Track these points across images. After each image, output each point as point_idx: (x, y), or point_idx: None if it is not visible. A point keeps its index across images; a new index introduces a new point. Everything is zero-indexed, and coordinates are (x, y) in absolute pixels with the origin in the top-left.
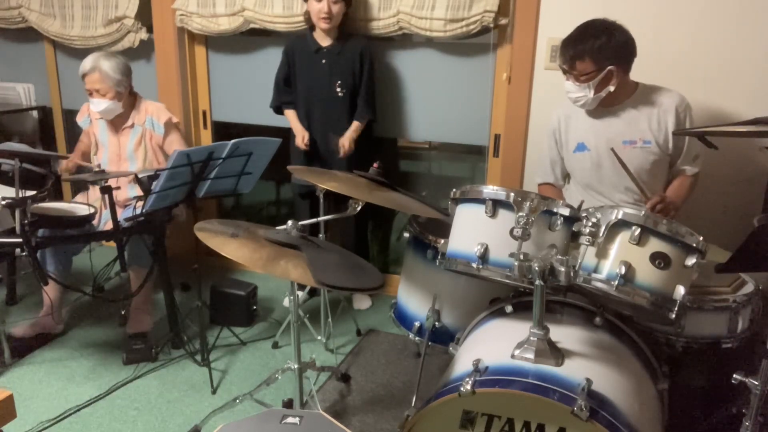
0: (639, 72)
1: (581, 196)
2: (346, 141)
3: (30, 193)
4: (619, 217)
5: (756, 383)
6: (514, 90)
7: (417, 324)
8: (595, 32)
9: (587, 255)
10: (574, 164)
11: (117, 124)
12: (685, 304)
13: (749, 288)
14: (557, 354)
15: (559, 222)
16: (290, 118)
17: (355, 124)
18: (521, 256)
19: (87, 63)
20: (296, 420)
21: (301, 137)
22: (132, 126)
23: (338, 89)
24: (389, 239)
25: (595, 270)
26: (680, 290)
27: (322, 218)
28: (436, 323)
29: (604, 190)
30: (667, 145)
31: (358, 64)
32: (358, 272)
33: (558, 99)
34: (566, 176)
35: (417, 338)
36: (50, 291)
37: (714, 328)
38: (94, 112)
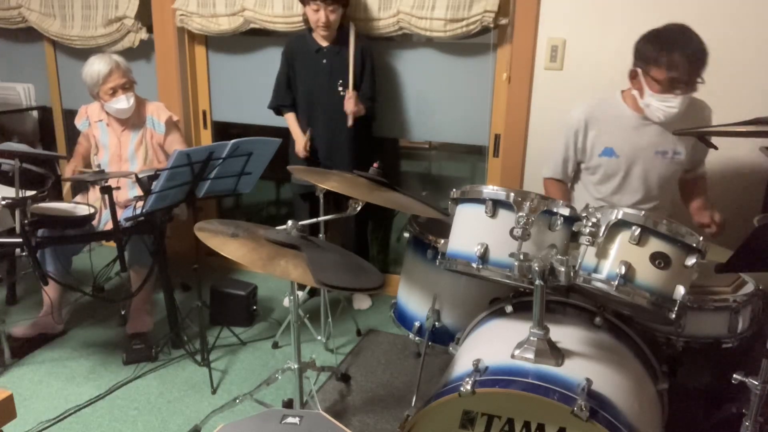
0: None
1: (586, 199)
2: (350, 107)
3: (30, 193)
4: (619, 217)
5: (756, 383)
6: (514, 90)
7: (417, 324)
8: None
9: (587, 255)
10: (594, 167)
11: (117, 125)
12: (685, 304)
13: (749, 288)
14: (557, 354)
15: (559, 222)
16: (290, 123)
17: (360, 105)
18: (521, 256)
19: (101, 66)
20: (296, 420)
21: (302, 144)
22: (133, 126)
23: (340, 89)
24: (389, 239)
25: (595, 270)
26: (680, 290)
27: (322, 218)
28: (436, 323)
29: (616, 199)
30: (693, 154)
31: (359, 65)
32: (358, 272)
33: (558, 99)
34: (575, 175)
35: (417, 338)
36: (50, 291)
37: (714, 328)
38: (122, 109)
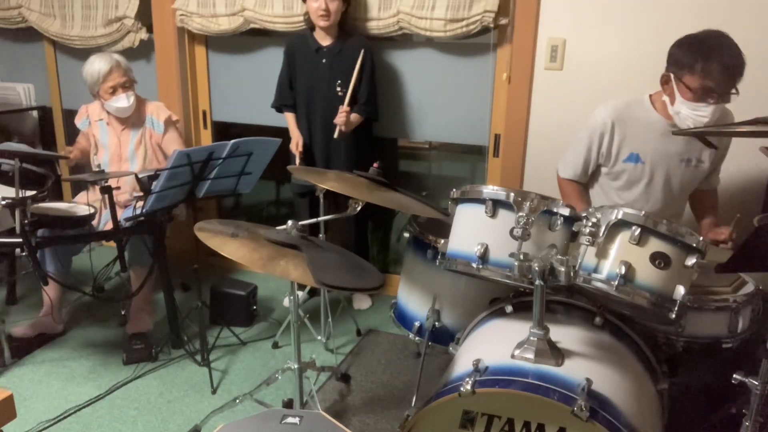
0: (640, 75)
1: (603, 201)
2: (340, 120)
3: (30, 193)
4: (619, 217)
5: (756, 383)
6: (514, 90)
7: (417, 324)
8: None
9: (587, 255)
10: (618, 172)
11: (118, 124)
12: (685, 304)
13: (749, 288)
14: (557, 354)
15: (559, 222)
16: (289, 121)
17: (354, 116)
18: (521, 256)
19: (101, 64)
20: (296, 420)
21: (296, 143)
22: (132, 125)
23: (338, 89)
24: (389, 239)
25: (595, 270)
26: (680, 290)
27: (322, 218)
28: (436, 323)
29: (638, 206)
30: (713, 163)
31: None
32: (358, 272)
33: (558, 99)
34: (591, 176)
35: (417, 338)
36: (50, 291)
37: (714, 328)
38: (122, 108)
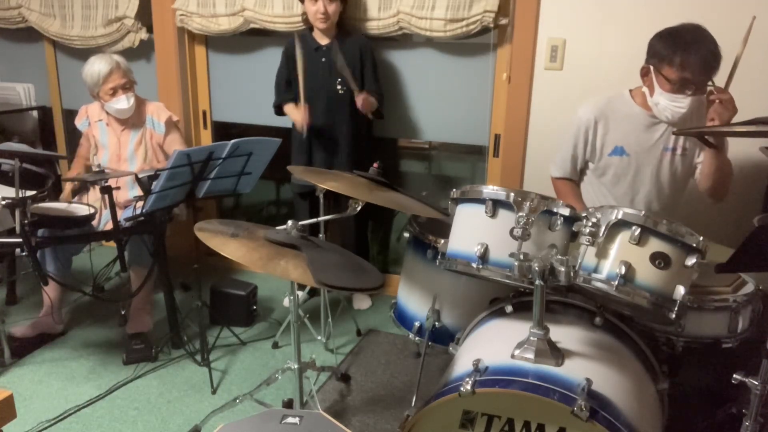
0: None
1: (592, 197)
2: (362, 104)
3: (30, 193)
4: (619, 217)
5: (756, 383)
6: (514, 90)
7: (417, 324)
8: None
9: (587, 255)
10: (604, 167)
11: (117, 124)
12: (685, 304)
13: (749, 288)
14: (557, 354)
15: (559, 222)
16: (289, 111)
17: (370, 98)
18: (521, 256)
19: (101, 66)
20: (296, 420)
21: (301, 125)
22: (132, 126)
23: (339, 87)
24: (389, 239)
25: (595, 270)
26: (680, 290)
27: (322, 218)
28: (436, 323)
29: (628, 199)
30: (701, 147)
31: (359, 62)
32: (358, 272)
33: (558, 99)
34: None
35: (417, 338)
36: (50, 291)
37: (714, 328)
38: (122, 109)
